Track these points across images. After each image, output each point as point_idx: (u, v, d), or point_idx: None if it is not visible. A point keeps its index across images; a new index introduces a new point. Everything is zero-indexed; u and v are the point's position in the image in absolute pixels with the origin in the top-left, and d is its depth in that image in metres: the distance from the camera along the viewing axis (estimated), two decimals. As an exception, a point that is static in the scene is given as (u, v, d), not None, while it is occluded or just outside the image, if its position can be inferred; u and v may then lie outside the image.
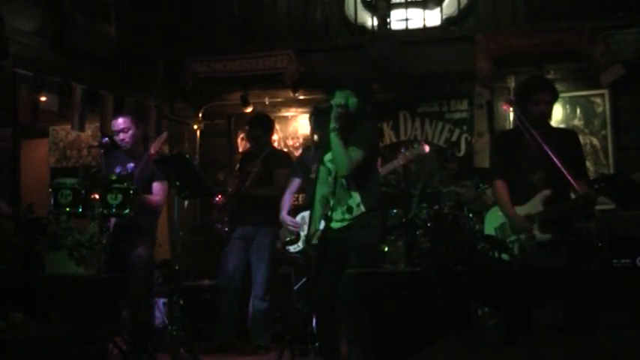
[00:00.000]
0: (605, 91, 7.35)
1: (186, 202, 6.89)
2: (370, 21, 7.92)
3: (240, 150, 8.20)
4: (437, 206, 6.22)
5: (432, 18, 7.95)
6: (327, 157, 4.74)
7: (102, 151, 5.84)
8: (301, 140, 8.26)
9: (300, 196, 6.72)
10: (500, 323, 4.87)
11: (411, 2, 7.99)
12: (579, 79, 7.38)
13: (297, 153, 8.08)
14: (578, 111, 7.45)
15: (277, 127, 8.33)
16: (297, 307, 6.04)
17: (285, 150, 8.03)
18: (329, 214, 4.69)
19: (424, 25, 7.84)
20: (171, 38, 7.91)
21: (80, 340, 4.47)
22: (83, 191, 5.26)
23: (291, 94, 7.85)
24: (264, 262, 6.36)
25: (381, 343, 4.27)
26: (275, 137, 8.34)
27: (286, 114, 8.37)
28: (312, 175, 5.53)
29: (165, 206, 6.09)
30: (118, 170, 5.70)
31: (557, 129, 5.54)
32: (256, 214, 6.33)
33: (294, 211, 5.99)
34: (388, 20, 7.70)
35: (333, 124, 4.59)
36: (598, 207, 5.71)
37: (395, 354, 4.17)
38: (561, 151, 4.58)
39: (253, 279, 6.43)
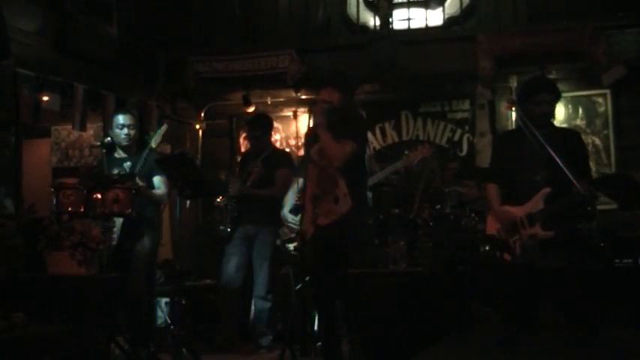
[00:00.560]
0: (607, 91, 7.34)
1: (187, 202, 6.92)
2: (372, 21, 7.91)
3: (242, 150, 8.19)
4: (439, 206, 6.22)
5: (434, 18, 7.95)
6: (312, 151, 4.78)
7: (103, 150, 5.85)
8: (303, 140, 8.24)
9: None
10: (501, 323, 4.87)
11: (413, 2, 7.99)
12: (581, 79, 7.38)
13: (300, 153, 8.08)
14: (580, 111, 7.44)
15: (279, 126, 8.35)
16: (297, 307, 6.03)
17: (287, 150, 8.02)
18: (317, 210, 4.70)
19: (426, 25, 7.83)
20: (173, 38, 7.91)
21: (81, 340, 4.48)
22: (85, 191, 5.27)
23: (293, 94, 7.85)
24: (266, 261, 6.36)
25: (382, 342, 4.28)
26: (277, 137, 8.35)
27: (288, 114, 8.36)
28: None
29: (167, 205, 6.09)
30: (115, 172, 5.71)
31: (560, 129, 5.54)
32: (258, 213, 6.32)
33: (295, 210, 5.98)
34: (390, 20, 7.69)
35: (319, 119, 4.63)
36: (600, 207, 5.72)
37: (396, 354, 4.18)
38: (564, 151, 4.58)
39: (255, 279, 6.42)
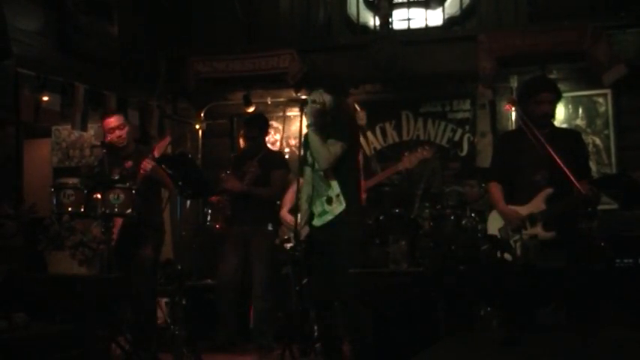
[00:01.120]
0: (607, 91, 7.34)
1: (188, 202, 6.91)
2: (372, 21, 7.92)
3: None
4: (439, 206, 6.22)
5: (434, 18, 7.96)
6: (308, 153, 4.81)
7: (104, 150, 5.85)
8: (303, 140, 8.25)
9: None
10: (502, 323, 4.87)
11: (413, 2, 8.00)
12: (582, 79, 7.37)
13: (300, 153, 8.08)
14: (580, 111, 7.44)
15: (280, 126, 8.35)
16: (297, 307, 6.03)
17: (285, 150, 8.03)
18: (312, 209, 4.73)
19: (426, 25, 7.85)
20: (173, 38, 7.92)
21: (82, 340, 4.48)
22: (85, 191, 5.27)
23: (294, 94, 7.85)
24: (264, 261, 6.36)
25: (383, 343, 4.28)
26: (277, 137, 8.35)
27: (289, 114, 8.36)
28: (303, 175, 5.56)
29: (167, 205, 6.09)
30: (117, 171, 5.71)
31: (561, 129, 5.55)
32: (254, 213, 6.33)
33: (294, 210, 5.99)
34: (390, 20, 7.70)
35: (309, 121, 4.66)
36: (600, 207, 5.71)
37: (397, 354, 4.18)
38: (564, 151, 4.58)
39: (253, 279, 6.43)
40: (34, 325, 4.33)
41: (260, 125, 6.68)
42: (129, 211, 5.29)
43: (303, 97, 7.79)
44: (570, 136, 5.05)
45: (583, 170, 4.75)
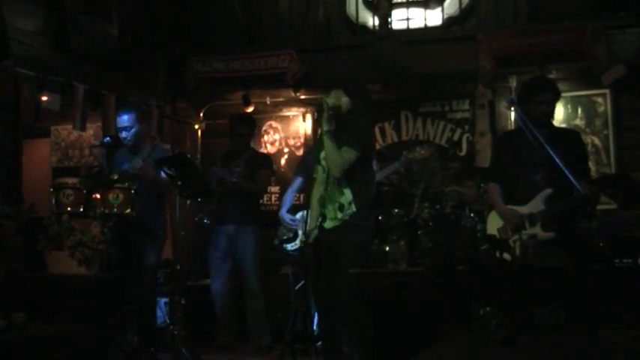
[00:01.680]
0: (606, 91, 7.33)
1: (187, 202, 6.92)
2: (371, 20, 7.91)
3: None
4: (438, 206, 6.22)
5: (433, 17, 7.95)
6: (322, 154, 4.75)
7: (103, 150, 5.86)
8: (303, 140, 8.26)
9: (302, 195, 6.73)
10: (501, 323, 4.87)
11: (413, 2, 7.99)
12: (581, 79, 7.37)
13: (299, 152, 8.09)
14: (579, 111, 7.44)
15: (279, 126, 8.36)
16: (297, 307, 6.05)
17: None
18: (323, 212, 4.71)
19: (425, 25, 7.83)
20: (173, 38, 7.91)
21: (82, 340, 4.48)
22: (85, 191, 5.27)
23: (293, 94, 7.85)
24: (253, 260, 6.40)
25: (383, 343, 4.28)
26: (277, 137, 8.35)
27: (288, 114, 8.36)
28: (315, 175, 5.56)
29: (167, 205, 6.10)
30: (125, 166, 5.72)
31: (560, 129, 5.55)
32: (238, 213, 6.39)
33: (293, 210, 6.00)
34: (389, 20, 7.69)
35: (326, 127, 4.61)
36: (599, 207, 5.71)
37: (396, 354, 4.18)
38: (564, 151, 4.58)
39: (245, 279, 6.46)
40: (33, 325, 4.34)
41: (248, 124, 6.76)
42: (128, 210, 5.30)
43: (303, 97, 7.89)
44: (570, 136, 5.06)
45: (582, 170, 4.75)
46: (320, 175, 4.76)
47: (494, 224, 4.93)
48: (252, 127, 6.84)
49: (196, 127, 8.45)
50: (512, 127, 7.29)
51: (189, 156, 5.79)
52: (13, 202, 5.68)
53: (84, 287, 4.88)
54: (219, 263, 6.50)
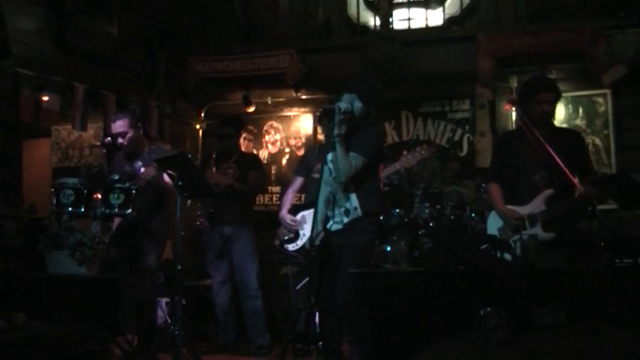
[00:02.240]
0: (607, 91, 7.33)
1: (188, 202, 6.92)
2: (372, 21, 7.91)
3: (243, 149, 8.19)
4: (439, 206, 6.22)
5: (434, 18, 7.96)
6: (330, 156, 4.70)
7: (104, 150, 5.85)
8: (303, 140, 8.26)
9: (302, 195, 6.73)
10: (502, 323, 4.87)
11: (413, 2, 8.00)
12: (581, 79, 7.37)
13: (300, 152, 8.09)
14: (580, 111, 7.44)
15: (279, 126, 8.37)
16: (298, 307, 6.05)
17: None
18: (329, 214, 4.68)
19: (426, 25, 7.84)
20: (173, 38, 7.91)
21: (82, 340, 4.47)
22: (85, 191, 5.27)
23: (293, 94, 7.85)
24: (249, 260, 6.44)
25: (383, 343, 4.27)
26: (277, 137, 8.36)
27: (288, 114, 8.37)
28: (315, 175, 5.55)
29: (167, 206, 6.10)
30: (126, 169, 5.72)
31: (561, 129, 5.54)
32: (232, 214, 6.45)
33: (294, 210, 5.99)
34: (390, 20, 7.69)
35: (336, 131, 4.53)
36: (600, 207, 5.72)
37: (397, 354, 4.17)
38: (564, 151, 4.58)
39: (241, 279, 6.47)
40: (33, 325, 4.34)
41: (236, 124, 6.78)
42: (129, 211, 5.30)
43: (303, 97, 7.89)
44: (570, 136, 5.05)
45: (585, 169, 4.76)
46: (327, 176, 4.71)
47: (494, 224, 4.93)
48: (238, 127, 6.90)
49: (197, 127, 8.46)
50: (513, 127, 7.29)
51: (189, 156, 5.77)
52: (14, 202, 5.68)
53: (84, 287, 4.87)
54: (217, 264, 6.54)
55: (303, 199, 6.56)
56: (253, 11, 8.26)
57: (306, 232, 5.50)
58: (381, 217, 5.89)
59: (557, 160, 4.51)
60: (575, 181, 4.53)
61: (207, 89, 8.00)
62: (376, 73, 7.24)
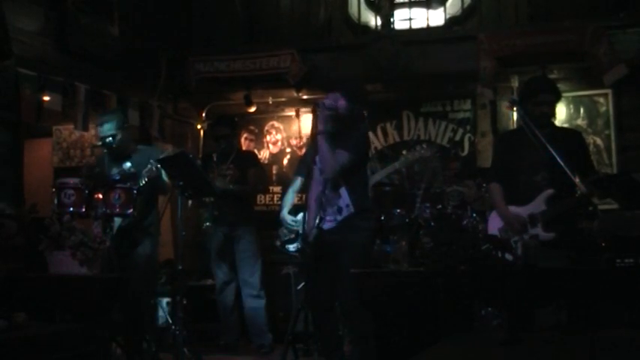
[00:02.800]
0: (608, 91, 7.33)
1: (189, 202, 6.92)
2: (373, 20, 7.91)
3: (243, 149, 8.19)
4: (440, 206, 6.22)
5: (435, 17, 7.95)
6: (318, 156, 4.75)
7: (104, 150, 5.85)
8: (304, 140, 8.26)
9: (303, 195, 6.73)
10: (502, 323, 4.87)
11: (415, 2, 8.00)
12: (582, 79, 7.36)
13: (301, 152, 8.09)
14: (581, 111, 7.43)
15: (281, 126, 8.38)
16: (298, 307, 6.05)
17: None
18: (321, 213, 4.70)
19: (427, 25, 7.83)
20: (174, 38, 7.91)
21: (83, 340, 4.48)
22: (86, 191, 5.27)
23: (295, 94, 7.85)
24: (252, 259, 6.45)
25: (384, 343, 4.27)
26: (278, 137, 8.36)
27: (289, 113, 8.38)
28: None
29: (168, 205, 6.10)
30: (115, 171, 5.72)
31: (562, 129, 5.54)
32: (235, 214, 6.46)
33: (295, 211, 5.99)
34: (391, 20, 7.69)
35: (320, 127, 4.58)
36: (601, 207, 5.71)
37: (397, 354, 4.17)
38: (565, 150, 4.58)
39: (244, 278, 6.48)
40: (34, 325, 4.34)
41: (231, 124, 6.79)
42: (130, 211, 5.30)
43: (304, 97, 7.89)
44: (571, 136, 5.05)
45: (586, 168, 4.76)
46: (317, 175, 4.74)
47: (495, 224, 4.92)
48: (233, 126, 6.89)
49: (198, 127, 8.46)
50: (514, 127, 7.29)
51: (190, 156, 5.78)
52: (15, 202, 5.68)
53: (84, 287, 4.87)
54: (219, 264, 6.53)
55: (304, 199, 6.57)
56: (254, 11, 8.27)
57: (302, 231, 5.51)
58: (382, 217, 5.89)
59: (559, 159, 4.51)
60: (576, 180, 4.53)
61: (209, 89, 8.00)
62: (377, 72, 7.24)
